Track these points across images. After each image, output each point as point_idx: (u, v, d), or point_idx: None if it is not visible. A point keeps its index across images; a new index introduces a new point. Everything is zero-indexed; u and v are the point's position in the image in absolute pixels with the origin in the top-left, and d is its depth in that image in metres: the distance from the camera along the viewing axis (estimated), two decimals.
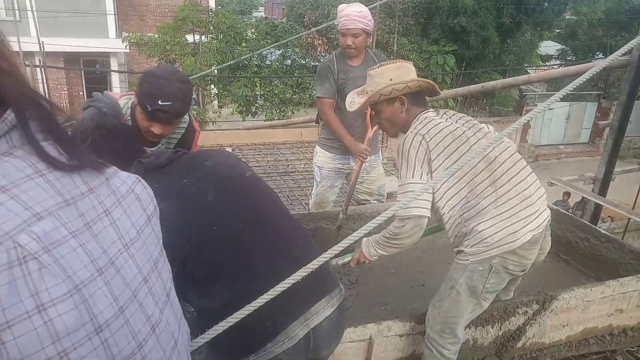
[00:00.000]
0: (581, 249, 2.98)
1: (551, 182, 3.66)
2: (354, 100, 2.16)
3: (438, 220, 1.98)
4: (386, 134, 2.16)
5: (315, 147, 3.39)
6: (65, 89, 15.54)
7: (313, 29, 10.53)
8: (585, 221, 3.12)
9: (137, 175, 0.89)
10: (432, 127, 1.87)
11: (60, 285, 0.64)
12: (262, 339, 1.31)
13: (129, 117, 2.06)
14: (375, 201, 3.36)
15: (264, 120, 12.43)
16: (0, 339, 0.59)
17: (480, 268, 1.80)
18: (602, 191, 3.73)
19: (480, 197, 1.81)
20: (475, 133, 1.92)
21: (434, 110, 2.02)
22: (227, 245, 1.36)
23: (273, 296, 1.20)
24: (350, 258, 2.20)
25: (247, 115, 13.74)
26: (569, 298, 2.24)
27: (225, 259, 1.35)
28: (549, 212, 1.92)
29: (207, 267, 1.34)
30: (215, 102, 14.26)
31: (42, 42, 9.26)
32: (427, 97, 2.10)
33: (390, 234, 1.94)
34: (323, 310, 1.40)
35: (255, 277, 1.33)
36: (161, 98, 1.82)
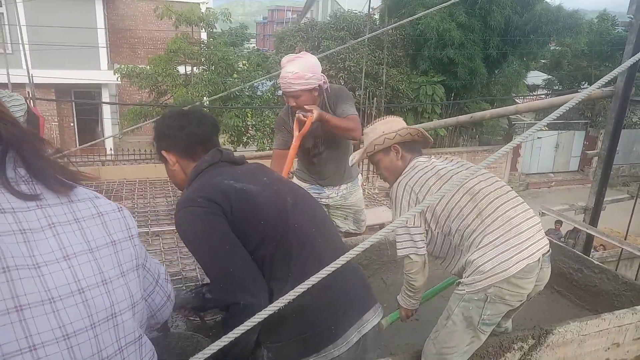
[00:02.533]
0: (575, 280, 2.95)
1: (542, 212, 3.66)
2: (353, 158, 2.27)
3: (442, 260, 2.03)
4: (388, 183, 2.23)
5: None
6: (56, 120, 15.54)
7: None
8: (578, 252, 3.10)
9: (119, 206, 0.99)
10: (420, 177, 1.96)
11: None
12: (326, 340, 1.43)
13: None
14: (352, 226, 3.33)
15: (255, 151, 12.46)
16: None
17: (476, 298, 1.79)
18: (594, 221, 3.73)
19: (470, 229, 1.85)
20: (461, 170, 1.96)
21: (426, 156, 2.10)
22: (304, 244, 1.49)
23: (324, 276, 1.22)
24: (398, 316, 2.30)
25: (239, 146, 13.76)
26: (565, 332, 2.19)
27: (300, 256, 1.46)
28: (547, 242, 1.90)
29: (283, 259, 1.45)
30: None
31: (32, 74, 9.29)
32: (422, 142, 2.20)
33: (405, 276, 2.08)
34: (371, 319, 1.55)
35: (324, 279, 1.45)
36: None
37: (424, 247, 1.96)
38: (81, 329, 0.82)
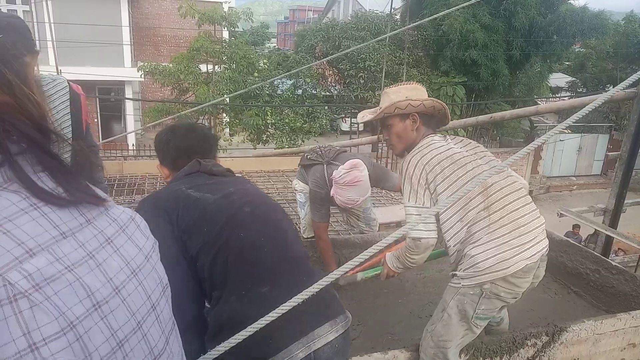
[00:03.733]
0: (592, 281, 2.94)
1: (560, 214, 3.63)
2: (364, 116, 2.15)
3: (443, 245, 1.98)
4: (393, 151, 2.16)
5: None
6: None
7: (324, 59, 10.72)
8: (595, 253, 3.08)
9: (131, 210, 0.91)
10: (433, 157, 1.88)
11: (52, 323, 0.62)
12: (263, 353, 1.36)
13: None
14: (364, 225, 3.44)
15: (274, 149, 12.55)
16: None
17: (471, 292, 1.79)
18: (613, 223, 3.69)
19: (473, 221, 1.82)
20: (476, 159, 1.91)
21: (440, 135, 2.03)
22: (246, 252, 1.46)
23: (279, 315, 1.25)
24: (379, 271, 2.27)
25: (258, 144, 13.88)
26: (579, 330, 2.19)
27: (239, 265, 1.44)
28: (547, 242, 1.90)
29: (222, 267, 1.42)
30: (227, 131, 14.46)
31: (60, 70, 9.52)
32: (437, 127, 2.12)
33: (405, 251, 1.99)
34: (326, 335, 1.43)
35: (263, 287, 1.42)
36: None
37: (435, 231, 1.87)
38: (162, 350, 0.81)
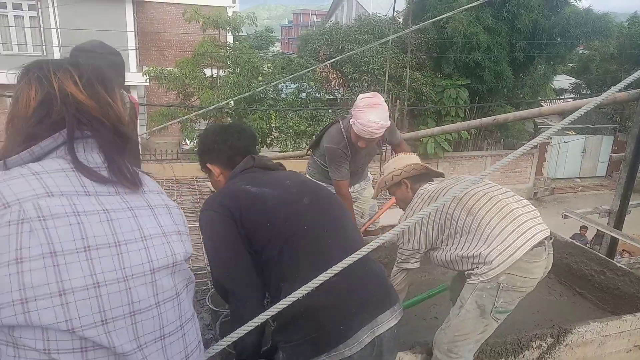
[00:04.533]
0: (597, 282, 2.94)
1: (565, 215, 3.63)
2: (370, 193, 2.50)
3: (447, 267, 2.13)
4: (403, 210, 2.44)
5: None
6: None
7: (327, 62, 10.74)
8: (600, 255, 3.08)
9: (175, 204, 1.07)
10: (421, 202, 2.17)
11: (37, 247, 0.80)
12: (335, 340, 1.44)
13: None
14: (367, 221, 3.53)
15: (278, 152, 12.58)
16: None
17: (489, 286, 1.84)
18: (618, 224, 3.69)
19: (464, 231, 1.96)
20: (453, 186, 2.08)
21: (435, 182, 2.27)
22: (312, 244, 1.54)
23: (335, 273, 1.33)
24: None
25: (262, 147, 13.91)
26: (585, 332, 2.20)
27: (307, 257, 1.51)
28: (546, 227, 1.95)
29: (290, 260, 1.50)
30: None
31: None
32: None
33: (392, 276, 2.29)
34: (388, 321, 1.55)
35: (332, 278, 1.45)
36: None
37: (414, 263, 2.20)
38: (145, 308, 0.90)
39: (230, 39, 14.36)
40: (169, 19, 17.71)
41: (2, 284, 0.77)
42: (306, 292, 1.30)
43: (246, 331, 1.32)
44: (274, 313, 1.28)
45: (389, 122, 2.87)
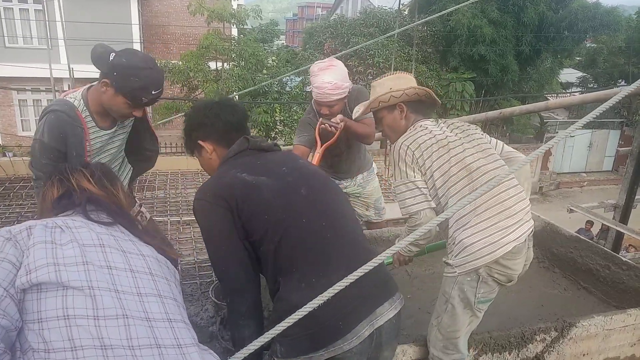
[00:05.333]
0: (602, 277, 2.92)
1: (571, 209, 3.61)
2: (357, 110, 2.20)
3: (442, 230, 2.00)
4: (389, 141, 2.20)
5: None
6: None
7: (332, 56, 10.69)
8: (606, 249, 3.06)
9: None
10: (418, 137, 1.93)
11: (14, 253, 1.03)
12: (334, 335, 1.42)
13: (85, 108, 2.10)
14: (374, 215, 3.39)
15: (283, 145, 12.58)
16: None
17: (469, 279, 1.81)
18: (624, 219, 3.67)
19: (462, 199, 1.78)
20: (463, 143, 1.93)
21: (432, 120, 2.04)
22: (311, 238, 1.49)
23: (342, 287, 1.26)
24: (390, 261, 2.26)
25: (267, 141, 13.88)
26: (589, 326, 2.20)
27: (306, 251, 1.47)
28: (532, 223, 1.91)
29: (288, 253, 1.46)
30: None
31: (72, 68, 9.61)
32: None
33: (411, 230, 1.97)
34: (387, 313, 1.53)
35: (333, 274, 1.42)
36: (153, 88, 1.97)
37: (426, 202, 1.91)
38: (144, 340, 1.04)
39: (235, 32, 14.32)
40: (174, 12, 17.68)
41: None
42: (312, 307, 1.24)
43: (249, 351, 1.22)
44: (278, 332, 1.22)
45: (349, 83, 2.77)
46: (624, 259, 2.89)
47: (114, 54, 1.98)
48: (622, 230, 3.52)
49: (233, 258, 1.50)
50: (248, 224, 1.48)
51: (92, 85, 2.11)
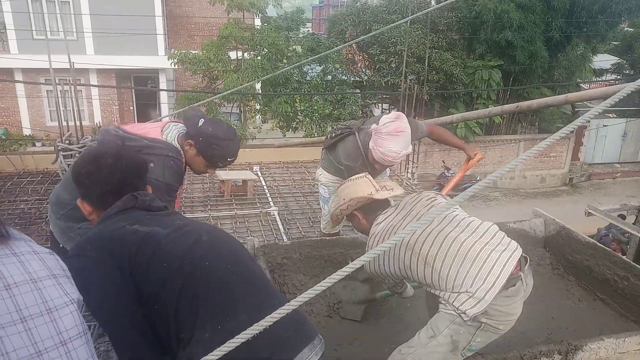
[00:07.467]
0: (620, 288, 2.71)
1: (589, 212, 3.37)
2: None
3: None
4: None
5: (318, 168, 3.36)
6: (117, 104, 16.25)
7: (352, 42, 10.46)
8: (626, 259, 2.84)
9: (47, 250, 1.06)
10: (377, 237, 2.03)
11: None
12: None
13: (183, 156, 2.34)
14: None
15: (303, 136, 12.48)
16: None
17: (470, 324, 1.71)
18: None
19: (428, 280, 1.83)
20: (409, 221, 1.97)
21: (390, 208, 2.13)
22: (216, 282, 1.38)
23: (258, 331, 1.16)
24: (390, 293, 2.42)
25: (288, 131, 13.82)
26: (598, 349, 2.01)
27: (212, 295, 1.35)
28: (518, 252, 1.81)
29: (192, 301, 1.32)
30: (257, 117, 14.47)
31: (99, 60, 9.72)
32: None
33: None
34: (307, 359, 1.39)
35: (242, 315, 1.33)
36: (230, 157, 2.33)
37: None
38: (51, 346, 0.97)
39: (258, 21, 14.22)
40: (197, 2, 17.69)
41: None
42: (220, 354, 1.12)
43: None
44: None
45: (410, 149, 2.81)
46: None
47: (203, 121, 2.27)
48: None
49: (129, 320, 1.32)
50: (142, 277, 1.31)
51: (180, 133, 2.34)
